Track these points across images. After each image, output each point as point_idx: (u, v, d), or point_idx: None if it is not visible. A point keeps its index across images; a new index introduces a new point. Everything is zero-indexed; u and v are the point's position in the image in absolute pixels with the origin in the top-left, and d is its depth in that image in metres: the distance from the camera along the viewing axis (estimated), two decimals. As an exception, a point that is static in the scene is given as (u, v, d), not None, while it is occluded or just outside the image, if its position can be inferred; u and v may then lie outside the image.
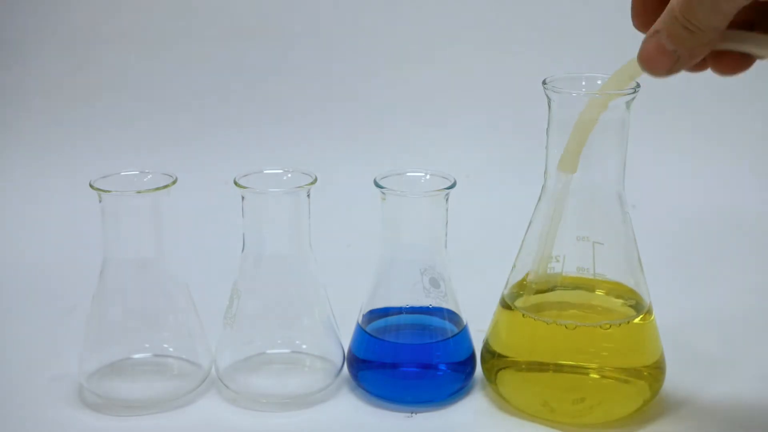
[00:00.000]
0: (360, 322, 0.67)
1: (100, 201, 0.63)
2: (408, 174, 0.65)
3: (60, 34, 1.03)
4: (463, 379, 0.67)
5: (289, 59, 1.04)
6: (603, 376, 0.63)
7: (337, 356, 0.67)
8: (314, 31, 1.04)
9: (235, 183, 0.63)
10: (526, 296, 0.64)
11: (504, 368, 0.65)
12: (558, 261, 0.63)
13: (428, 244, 0.65)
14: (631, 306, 0.64)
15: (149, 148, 1.02)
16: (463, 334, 0.67)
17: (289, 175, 0.66)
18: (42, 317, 0.79)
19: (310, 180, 0.64)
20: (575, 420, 0.63)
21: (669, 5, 0.49)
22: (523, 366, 0.64)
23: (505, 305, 0.65)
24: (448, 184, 0.64)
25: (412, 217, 0.64)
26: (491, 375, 0.65)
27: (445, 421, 0.64)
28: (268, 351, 0.68)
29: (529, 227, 0.65)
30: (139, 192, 0.63)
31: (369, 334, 0.66)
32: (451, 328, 0.66)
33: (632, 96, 0.60)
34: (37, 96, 1.03)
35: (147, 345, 0.67)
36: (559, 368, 0.63)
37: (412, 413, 0.65)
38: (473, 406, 0.66)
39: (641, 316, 0.63)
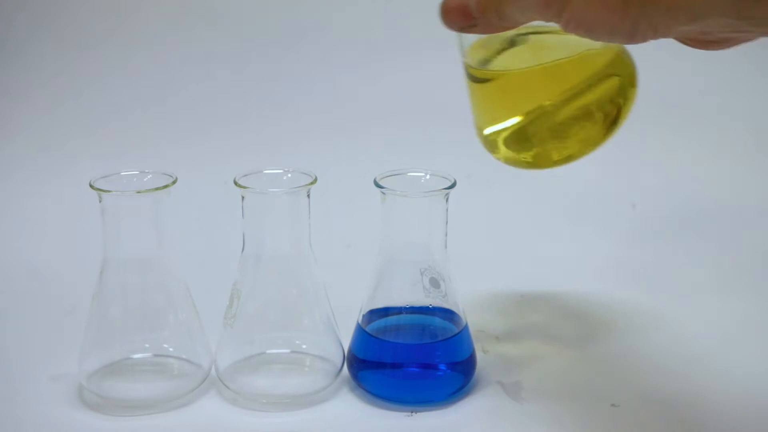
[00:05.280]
0: (360, 322, 0.67)
1: (100, 201, 0.63)
2: (408, 174, 0.66)
3: (60, 33, 1.03)
4: (463, 379, 0.67)
5: (289, 59, 1.04)
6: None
7: (337, 356, 0.67)
8: (314, 31, 1.04)
9: (235, 183, 0.63)
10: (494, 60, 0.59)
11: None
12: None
13: (428, 244, 0.65)
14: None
15: (149, 148, 1.02)
16: (463, 334, 0.67)
17: (289, 175, 0.66)
18: (42, 317, 0.79)
19: (310, 180, 0.64)
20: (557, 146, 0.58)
21: None
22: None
23: (475, 79, 0.60)
24: (448, 184, 0.64)
25: (412, 217, 0.64)
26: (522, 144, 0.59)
27: (445, 421, 0.64)
28: (268, 351, 0.68)
29: None
30: (139, 192, 0.63)
31: (369, 334, 0.66)
32: (451, 328, 0.66)
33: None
34: (37, 95, 1.03)
35: (147, 345, 0.67)
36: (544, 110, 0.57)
37: (412, 413, 0.65)
38: (473, 406, 0.66)
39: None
